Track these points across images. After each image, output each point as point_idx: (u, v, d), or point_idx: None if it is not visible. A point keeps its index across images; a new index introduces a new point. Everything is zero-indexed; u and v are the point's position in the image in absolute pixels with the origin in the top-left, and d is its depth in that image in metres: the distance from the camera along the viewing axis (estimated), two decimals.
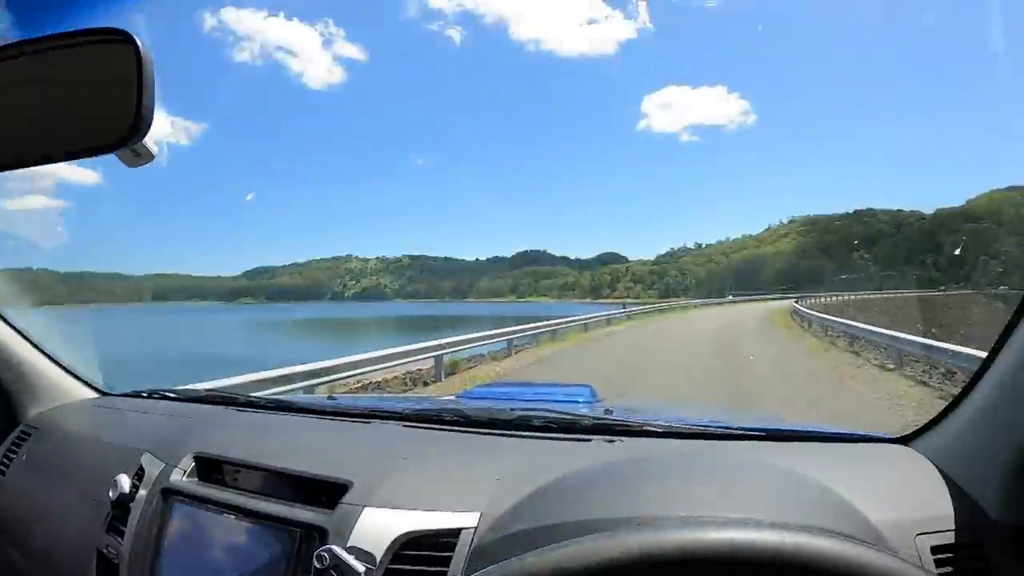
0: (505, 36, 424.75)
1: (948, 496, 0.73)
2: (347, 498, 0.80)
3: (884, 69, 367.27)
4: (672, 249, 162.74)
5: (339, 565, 0.71)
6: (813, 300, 26.60)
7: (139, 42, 0.54)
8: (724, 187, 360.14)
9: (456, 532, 0.73)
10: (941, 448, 0.82)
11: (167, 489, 0.94)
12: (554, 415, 1.05)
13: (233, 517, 0.87)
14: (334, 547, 0.73)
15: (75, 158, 0.60)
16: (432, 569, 0.72)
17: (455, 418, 1.09)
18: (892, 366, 7.92)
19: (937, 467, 0.79)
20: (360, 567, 0.71)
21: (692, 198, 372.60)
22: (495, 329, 12.27)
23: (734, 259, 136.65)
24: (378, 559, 0.72)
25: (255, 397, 1.35)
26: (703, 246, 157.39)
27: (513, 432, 1.00)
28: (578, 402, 1.42)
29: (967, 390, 0.81)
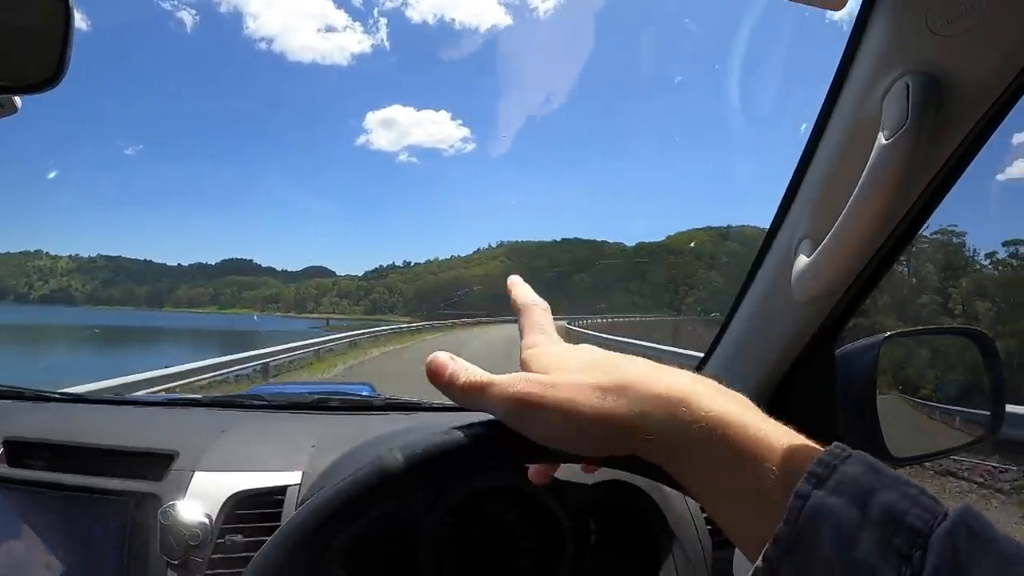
0: (239, 30, 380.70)
1: None
2: (175, 466, 0.84)
3: (597, 118, 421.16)
4: (381, 266, 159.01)
5: (181, 522, 0.75)
6: (585, 322, 29.51)
7: None
8: (437, 209, 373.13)
9: (283, 489, 0.81)
10: None
11: None
12: (349, 397, 1.17)
13: (57, 496, 0.85)
14: (176, 503, 0.77)
15: None
16: (265, 525, 0.78)
17: (257, 403, 1.15)
18: None
19: None
20: (201, 520, 0.76)
21: (404, 217, 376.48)
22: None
23: (442, 278, 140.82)
24: (214, 516, 0.77)
25: (45, 392, 1.27)
26: (411, 264, 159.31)
27: (315, 412, 1.11)
28: (363, 394, 1.45)
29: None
